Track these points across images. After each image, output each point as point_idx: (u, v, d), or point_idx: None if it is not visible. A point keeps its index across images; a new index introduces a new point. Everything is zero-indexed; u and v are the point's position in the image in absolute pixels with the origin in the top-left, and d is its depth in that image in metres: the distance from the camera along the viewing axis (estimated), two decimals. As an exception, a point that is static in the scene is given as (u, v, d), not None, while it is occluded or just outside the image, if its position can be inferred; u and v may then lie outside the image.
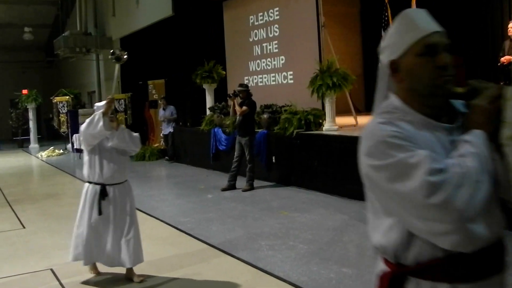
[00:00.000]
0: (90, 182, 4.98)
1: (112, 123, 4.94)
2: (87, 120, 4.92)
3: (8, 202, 9.50)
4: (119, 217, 4.93)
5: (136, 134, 5.36)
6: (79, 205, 5.05)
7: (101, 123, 4.75)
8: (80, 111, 18.84)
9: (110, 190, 4.94)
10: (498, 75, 8.46)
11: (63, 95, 19.91)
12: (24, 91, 20.81)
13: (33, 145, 21.16)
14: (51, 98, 20.03)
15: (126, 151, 5.19)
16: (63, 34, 21.15)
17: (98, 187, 4.91)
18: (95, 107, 5.20)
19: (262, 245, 6.00)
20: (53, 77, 29.43)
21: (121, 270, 5.12)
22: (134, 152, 5.45)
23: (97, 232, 4.90)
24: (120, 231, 4.92)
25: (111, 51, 5.63)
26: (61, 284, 5.11)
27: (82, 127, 4.95)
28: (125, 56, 5.56)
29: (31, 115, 20.93)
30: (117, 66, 5.58)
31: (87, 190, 4.98)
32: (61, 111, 19.63)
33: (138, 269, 5.40)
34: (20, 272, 5.50)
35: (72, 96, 19.99)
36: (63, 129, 19.45)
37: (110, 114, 4.94)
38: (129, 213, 5.03)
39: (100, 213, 4.84)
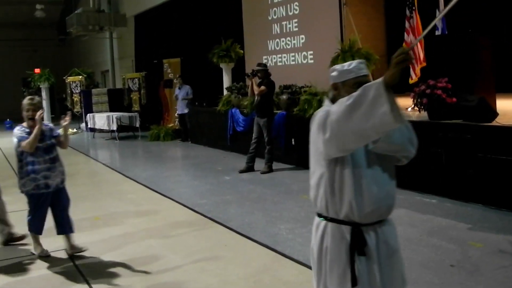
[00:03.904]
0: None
1: None
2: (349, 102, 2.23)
3: (22, 181, 9.34)
4: None
5: None
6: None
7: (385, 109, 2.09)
8: (93, 90, 18.75)
9: None
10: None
11: (76, 75, 19.79)
12: (37, 70, 20.66)
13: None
14: (64, 78, 19.91)
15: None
16: (76, 11, 20.96)
17: None
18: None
19: (281, 229, 5.83)
20: (66, 55, 29.33)
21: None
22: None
23: None
24: None
25: None
26: (75, 265, 5.00)
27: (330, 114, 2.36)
28: None
29: (44, 94, 20.84)
30: None
31: None
32: (74, 91, 19.56)
33: (153, 250, 5.25)
34: (34, 252, 5.36)
35: (85, 76, 19.85)
36: (77, 109, 19.36)
37: None
38: None
39: None
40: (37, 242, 5.27)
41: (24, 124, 5.14)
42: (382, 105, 2.06)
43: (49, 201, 5.16)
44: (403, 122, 2.13)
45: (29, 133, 5.02)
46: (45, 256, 5.19)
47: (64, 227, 5.25)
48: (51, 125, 5.43)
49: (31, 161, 5.02)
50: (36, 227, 5.20)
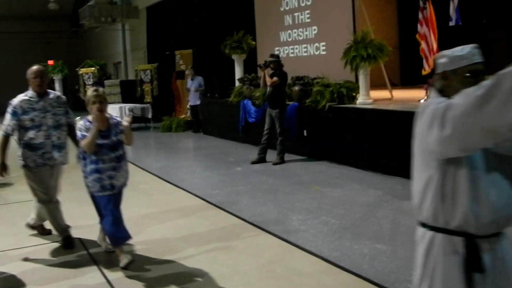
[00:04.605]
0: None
1: None
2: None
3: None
4: None
5: None
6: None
7: None
8: (106, 82, 18.82)
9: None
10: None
11: (88, 67, 19.88)
12: (50, 62, 20.80)
13: (60, 116, 21.18)
14: (77, 69, 20.00)
15: None
16: (89, 3, 20.98)
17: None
18: None
19: (294, 220, 5.84)
20: (78, 47, 29.42)
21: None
22: None
23: None
24: None
25: None
26: (89, 253, 5.04)
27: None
28: None
29: (57, 86, 20.96)
30: None
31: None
32: (87, 83, 19.64)
33: (166, 240, 5.29)
34: (48, 241, 5.45)
35: (97, 67, 19.93)
36: (89, 100, 19.42)
37: None
38: None
39: None
40: (121, 251, 4.68)
41: (89, 117, 4.55)
42: None
43: (114, 203, 4.63)
44: None
45: None
46: (129, 263, 4.59)
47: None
48: (118, 118, 4.81)
49: (95, 160, 4.50)
50: (117, 239, 4.64)
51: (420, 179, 2.22)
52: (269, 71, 9.26)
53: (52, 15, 26.63)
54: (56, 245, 5.31)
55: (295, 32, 12.13)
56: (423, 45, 8.88)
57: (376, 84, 10.11)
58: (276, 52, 11.90)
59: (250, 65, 12.53)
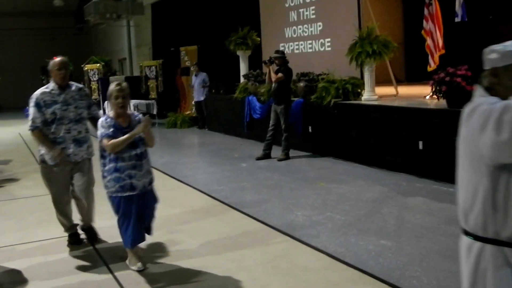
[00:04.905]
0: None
1: None
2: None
3: (41, 166, 9.46)
4: None
5: None
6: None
7: None
8: (111, 78, 18.84)
9: None
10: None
11: (93, 63, 19.91)
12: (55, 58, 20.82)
13: (65, 111, 21.25)
14: (82, 66, 20.04)
15: None
16: (94, 0, 21.00)
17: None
18: None
19: (299, 216, 5.85)
20: (83, 44, 29.48)
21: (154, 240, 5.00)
22: None
23: None
24: None
25: None
26: (95, 248, 5.06)
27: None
28: None
29: (62, 82, 21.00)
30: None
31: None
32: (92, 79, 19.68)
33: (171, 235, 5.31)
34: (55, 236, 5.47)
35: (102, 63, 19.96)
36: (94, 96, 19.49)
37: None
38: None
39: None
40: (133, 255, 4.48)
41: (111, 113, 4.35)
42: None
43: (136, 205, 4.35)
44: None
45: (115, 127, 4.27)
46: (142, 270, 4.44)
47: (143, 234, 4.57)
48: (140, 115, 4.51)
49: (114, 158, 4.26)
50: (128, 240, 4.39)
51: (467, 186, 2.07)
52: (274, 67, 9.25)
53: (57, 11, 26.71)
54: (63, 240, 5.33)
55: (300, 28, 12.11)
56: (429, 41, 8.86)
57: (381, 80, 10.10)
58: (281, 48, 11.88)
59: (255, 61, 12.53)
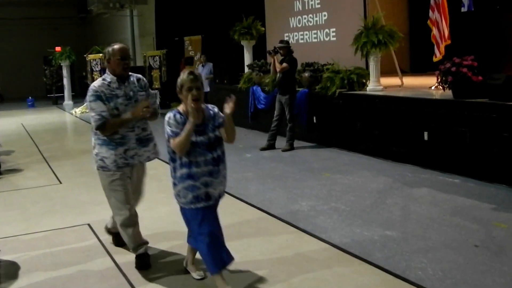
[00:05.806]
0: None
1: None
2: None
3: (44, 158, 9.52)
4: None
5: None
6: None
7: None
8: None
9: None
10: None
11: (96, 53, 19.86)
12: (58, 48, 20.83)
13: (67, 102, 21.37)
14: (85, 55, 20.00)
15: None
16: (97, -11, 20.96)
17: None
18: None
19: (303, 206, 5.84)
20: (86, 33, 29.40)
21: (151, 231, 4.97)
22: None
23: None
24: None
25: None
26: (99, 239, 5.05)
27: None
28: None
29: (65, 72, 21.01)
30: None
31: None
32: (94, 69, 19.62)
33: (176, 225, 5.28)
34: (58, 227, 5.48)
35: (105, 53, 19.89)
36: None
37: None
38: None
39: None
40: (222, 279, 3.66)
41: (180, 108, 3.65)
42: None
43: (213, 216, 3.74)
44: None
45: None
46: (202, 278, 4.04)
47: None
48: (215, 109, 3.81)
49: (187, 163, 3.57)
50: (216, 262, 3.61)
51: None
52: (278, 57, 9.20)
53: (60, 1, 26.62)
54: (67, 230, 5.34)
55: (305, 18, 12.04)
56: (435, 31, 8.78)
57: (386, 71, 10.03)
58: (286, 38, 11.84)
59: (260, 51, 12.46)
